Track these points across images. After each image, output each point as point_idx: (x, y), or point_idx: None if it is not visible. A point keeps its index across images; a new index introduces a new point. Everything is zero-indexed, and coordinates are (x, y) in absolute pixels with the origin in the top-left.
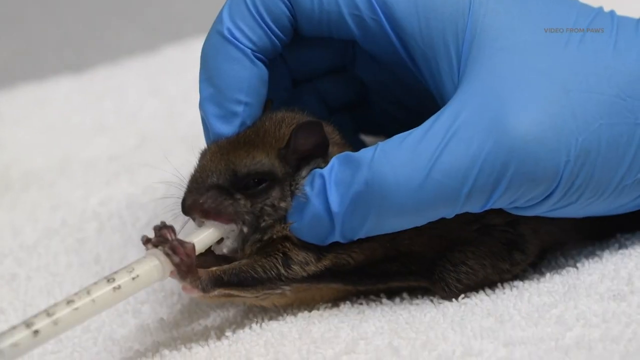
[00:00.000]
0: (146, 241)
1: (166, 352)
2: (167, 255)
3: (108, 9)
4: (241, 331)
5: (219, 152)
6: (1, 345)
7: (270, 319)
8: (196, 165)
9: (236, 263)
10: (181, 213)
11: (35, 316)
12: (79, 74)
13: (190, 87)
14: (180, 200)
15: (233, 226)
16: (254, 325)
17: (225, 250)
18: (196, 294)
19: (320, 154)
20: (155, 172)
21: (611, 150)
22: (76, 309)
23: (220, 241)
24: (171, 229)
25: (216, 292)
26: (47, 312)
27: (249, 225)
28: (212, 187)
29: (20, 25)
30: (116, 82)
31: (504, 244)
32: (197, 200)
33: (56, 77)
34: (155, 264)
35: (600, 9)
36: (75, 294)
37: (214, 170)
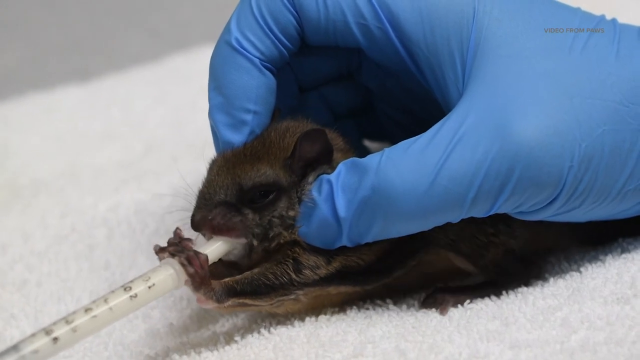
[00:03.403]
0: (159, 250)
1: (176, 356)
2: (183, 265)
3: (115, 18)
4: (250, 336)
5: (225, 165)
6: (22, 352)
7: (279, 323)
8: (204, 179)
9: (248, 272)
10: (189, 223)
11: (54, 324)
12: (87, 82)
13: (196, 94)
14: (188, 209)
15: (242, 240)
16: (262, 329)
17: (232, 257)
18: (210, 305)
19: (325, 161)
20: (163, 179)
21: (614, 155)
22: (94, 316)
23: None
24: (191, 241)
25: (230, 302)
26: (66, 320)
27: (258, 237)
28: (220, 204)
29: (28, 34)
30: (123, 90)
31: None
32: (206, 216)
33: (64, 85)
34: (170, 272)
35: (603, 17)
36: (93, 302)
37: (221, 186)
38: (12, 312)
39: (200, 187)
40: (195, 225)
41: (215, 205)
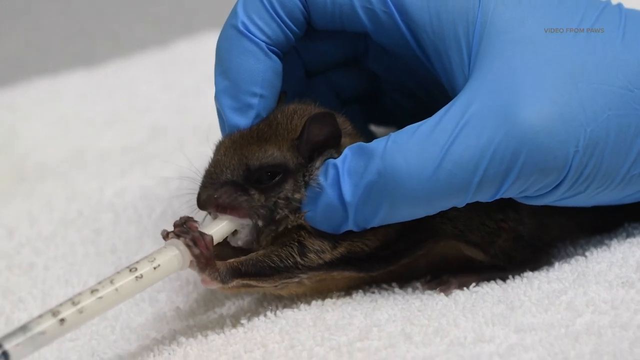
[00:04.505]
0: (166, 235)
1: (183, 339)
2: (188, 246)
3: (120, 4)
4: (256, 319)
5: (232, 146)
6: (29, 333)
7: (285, 307)
8: (211, 160)
9: (253, 254)
10: (195, 205)
11: (61, 305)
12: (92, 67)
13: (201, 80)
14: (194, 193)
15: (248, 220)
16: (268, 313)
17: (240, 243)
18: (215, 285)
19: (333, 145)
20: (169, 164)
21: (619, 140)
22: (100, 297)
23: (235, 232)
24: (196, 222)
25: (234, 282)
26: (72, 301)
27: (264, 218)
28: (227, 183)
29: (33, 20)
30: (128, 75)
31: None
32: (212, 195)
33: (69, 71)
34: (176, 253)
35: (608, 1)
36: (99, 283)
37: (227, 166)
38: (20, 295)
39: (207, 166)
40: (201, 203)
41: (222, 185)
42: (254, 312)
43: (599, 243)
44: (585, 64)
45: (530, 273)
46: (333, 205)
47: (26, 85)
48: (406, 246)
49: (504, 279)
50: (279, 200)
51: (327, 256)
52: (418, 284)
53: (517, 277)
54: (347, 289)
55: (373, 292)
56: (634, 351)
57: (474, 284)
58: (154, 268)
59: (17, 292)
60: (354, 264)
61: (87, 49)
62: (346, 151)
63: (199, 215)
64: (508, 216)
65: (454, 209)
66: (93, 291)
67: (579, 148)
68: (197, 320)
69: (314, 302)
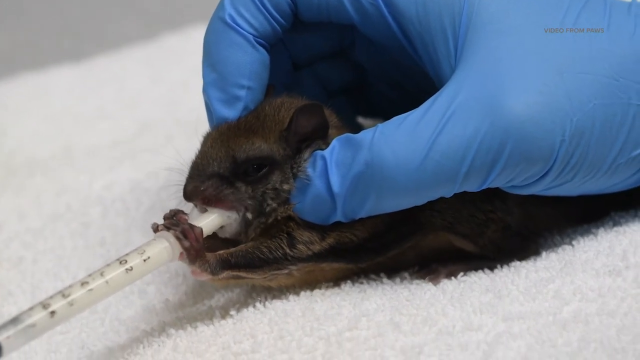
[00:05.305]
0: (156, 228)
1: (172, 331)
2: (178, 239)
3: None
4: (245, 310)
5: (220, 138)
6: (20, 326)
7: (274, 297)
8: (198, 151)
9: (242, 245)
10: (182, 198)
11: (51, 297)
12: (80, 62)
13: (189, 74)
14: (182, 186)
15: (234, 212)
16: (257, 304)
17: (227, 235)
18: (205, 277)
19: (320, 136)
20: (157, 158)
21: (605, 130)
22: (90, 290)
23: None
24: (186, 214)
25: (224, 274)
26: (63, 294)
27: (252, 210)
28: (213, 176)
29: (21, 16)
30: (116, 70)
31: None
32: (198, 187)
33: (57, 66)
34: (165, 245)
35: None
36: (89, 275)
37: (214, 158)
38: (9, 289)
39: (194, 158)
40: (187, 195)
41: (208, 177)
42: (243, 303)
43: (585, 232)
44: (570, 54)
45: (518, 262)
46: (321, 197)
47: (15, 81)
48: (395, 238)
49: (491, 268)
50: (267, 192)
51: (316, 247)
52: (406, 274)
53: (505, 266)
54: (336, 280)
55: (361, 283)
56: (621, 338)
57: (462, 273)
58: (144, 260)
59: (6, 286)
60: (342, 255)
61: (75, 44)
62: (334, 142)
63: (188, 208)
64: (496, 207)
65: (442, 201)
66: (83, 284)
67: (565, 137)
68: (186, 312)
69: (302, 293)
